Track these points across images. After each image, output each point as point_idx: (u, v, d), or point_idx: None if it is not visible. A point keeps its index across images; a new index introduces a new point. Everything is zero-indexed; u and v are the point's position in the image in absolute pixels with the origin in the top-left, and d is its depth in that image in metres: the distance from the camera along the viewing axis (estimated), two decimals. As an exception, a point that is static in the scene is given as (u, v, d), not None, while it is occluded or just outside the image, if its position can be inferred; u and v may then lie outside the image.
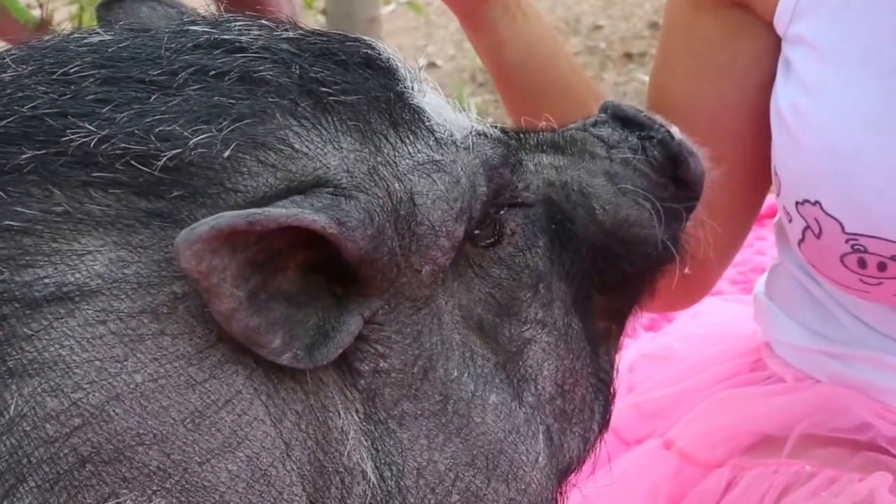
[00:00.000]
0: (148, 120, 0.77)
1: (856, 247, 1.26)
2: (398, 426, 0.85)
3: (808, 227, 1.30)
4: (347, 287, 0.82)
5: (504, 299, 0.93)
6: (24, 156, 0.75)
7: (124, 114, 0.77)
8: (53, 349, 0.73)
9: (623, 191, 1.04)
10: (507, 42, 1.40)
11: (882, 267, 1.27)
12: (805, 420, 1.41)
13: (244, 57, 0.83)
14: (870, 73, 1.24)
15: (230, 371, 0.76)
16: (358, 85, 0.86)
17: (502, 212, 0.95)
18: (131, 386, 0.73)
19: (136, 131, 0.77)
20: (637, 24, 5.70)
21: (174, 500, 0.74)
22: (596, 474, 1.37)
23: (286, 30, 0.89)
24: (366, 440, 0.83)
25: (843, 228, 1.26)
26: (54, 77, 0.80)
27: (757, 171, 1.40)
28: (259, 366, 0.77)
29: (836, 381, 1.44)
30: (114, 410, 0.73)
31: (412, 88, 0.89)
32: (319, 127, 0.82)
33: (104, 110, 0.77)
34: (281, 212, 0.73)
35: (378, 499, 0.83)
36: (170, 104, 0.79)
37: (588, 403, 1.00)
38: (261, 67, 0.83)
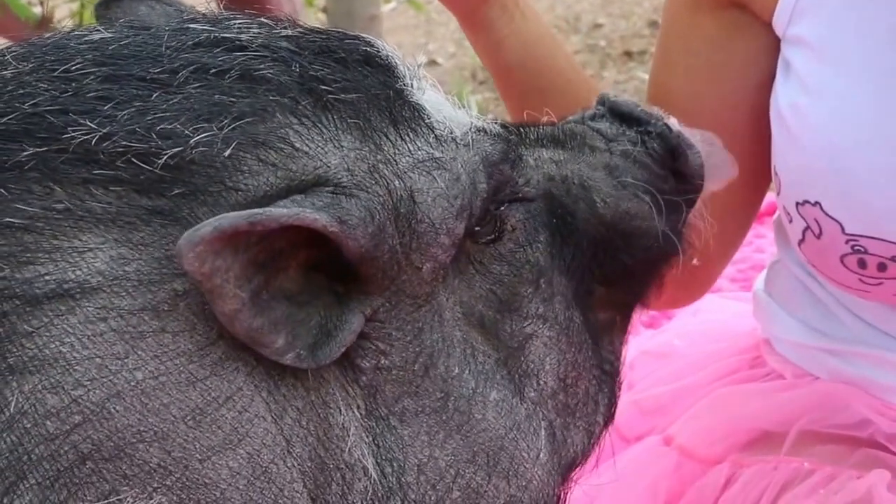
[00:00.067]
0: (149, 118, 0.78)
1: (856, 247, 1.26)
2: (399, 423, 0.85)
3: (808, 228, 1.30)
4: (348, 285, 0.82)
5: (505, 295, 0.93)
6: (25, 153, 0.75)
7: (125, 111, 0.78)
8: (54, 346, 0.73)
9: (623, 183, 1.04)
10: (506, 41, 1.40)
11: (882, 267, 1.27)
12: (804, 417, 1.41)
13: (244, 55, 0.83)
14: (869, 74, 1.24)
15: (231, 368, 0.76)
16: (358, 83, 0.86)
17: (503, 208, 0.95)
18: (132, 383, 0.73)
19: (137, 129, 0.77)
20: (637, 22, 5.71)
21: (175, 498, 0.74)
22: (599, 470, 1.38)
23: (285, 28, 0.89)
24: (367, 436, 0.83)
25: (843, 229, 1.26)
26: (55, 74, 0.80)
27: (757, 170, 1.40)
28: (260, 363, 0.77)
29: (836, 378, 1.44)
30: (114, 408, 0.73)
31: (412, 86, 0.89)
32: (320, 125, 0.82)
33: (105, 108, 0.77)
34: (282, 211, 0.73)
35: (379, 495, 0.83)
36: (171, 102, 0.79)
37: (592, 396, 1.00)
38: (261, 66, 0.83)
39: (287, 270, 0.77)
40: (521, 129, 1.05)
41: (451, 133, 0.89)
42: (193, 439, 0.75)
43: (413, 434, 0.86)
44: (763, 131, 1.35)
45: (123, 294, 0.74)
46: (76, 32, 0.87)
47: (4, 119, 0.77)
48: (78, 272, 0.74)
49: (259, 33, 0.86)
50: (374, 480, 0.83)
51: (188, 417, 0.75)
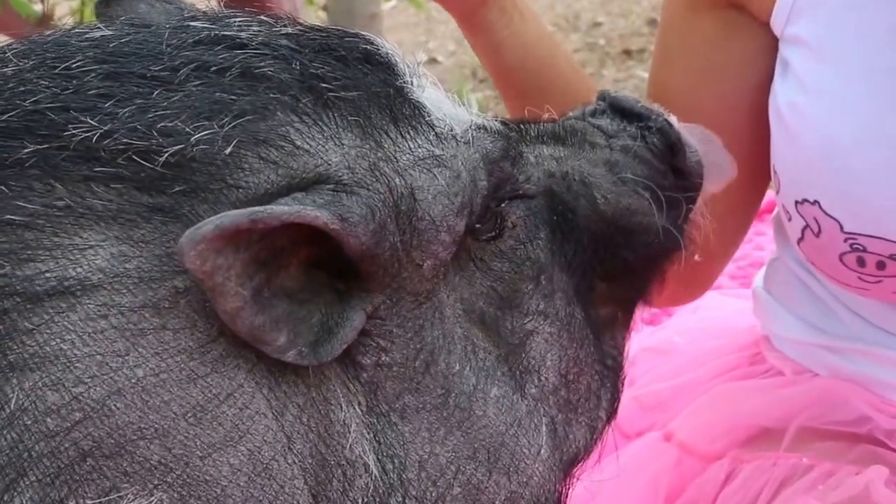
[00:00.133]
0: (150, 115, 0.78)
1: (854, 246, 1.26)
2: (400, 419, 0.85)
3: (807, 226, 1.30)
4: (349, 283, 0.82)
5: (506, 292, 0.93)
6: (26, 150, 0.75)
7: (126, 109, 0.78)
8: (54, 343, 0.73)
9: (623, 179, 1.04)
10: (505, 43, 1.41)
11: (881, 265, 1.27)
12: (803, 413, 1.41)
13: (244, 53, 0.83)
14: (867, 73, 1.24)
15: (232, 365, 0.77)
16: (358, 80, 0.86)
17: (503, 205, 0.95)
18: (132, 380, 0.73)
19: (138, 127, 0.77)
20: (635, 21, 5.71)
21: (175, 495, 0.74)
22: (599, 466, 1.38)
23: (285, 26, 0.89)
24: (368, 433, 0.83)
25: (841, 228, 1.26)
26: (56, 72, 0.80)
27: (756, 170, 1.41)
28: (261, 360, 0.77)
29: (835, 375, 1.44)
30: (115, 405, 0.73)
31: (412, 83, 0.89)
32: (320, 123, 0.82)
33: (106, 105, 0.77)
34: (283, 209, 0.73)
35: (380, 492, 0.83)
36: (172, 100, 0.79)
37: (594, 392, 1.00)
38: (261, 63, 0.83)
39: (288, 268, 0.77)
40: (522, 126, 1.05)
41: (452, 130, 0.89)
42: (194, 436, 0.75)
43: (414, 430, 0.86)
44: (762, 130, 1.36)
45: (124, 291, 0.74)
46: (77, 30, 0.87)
47: (5, 116, 0.77)
48: (79, 269, 0.74)
49: (259, 31, 0.86)
50: (376, 477, 0.83)
51: (189, 414, 0.75)
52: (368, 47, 0.89)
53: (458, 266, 0.91)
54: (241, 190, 0.78)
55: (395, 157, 0.84)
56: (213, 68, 0.82)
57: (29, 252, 0.74)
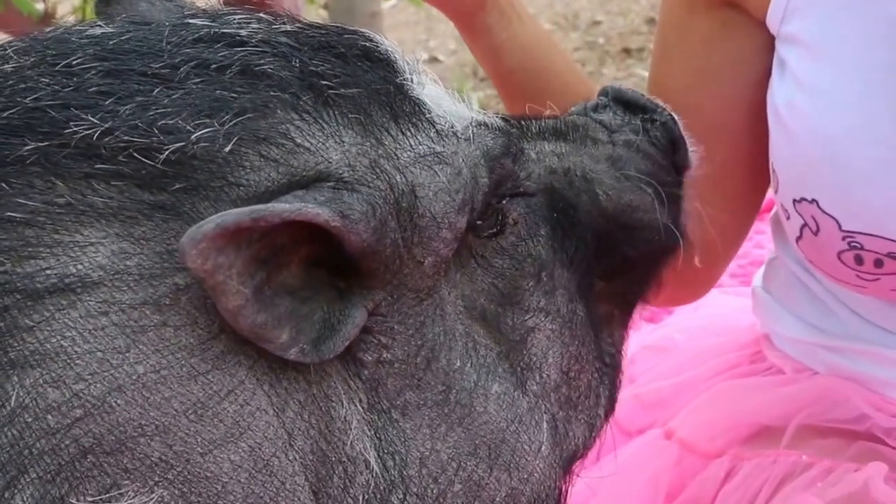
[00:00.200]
0: (151, 113, 0.78)
1: (852, 244, 1.27)
2: (401, 416, 0.85)
3: (805, 225, 1.30)
4: (350, 280, 0.82)
5: (507, 289, 0.93)
6: (27, 147, 0.75)
7: (127, 106, 0.78)
8: (55, 340, 0.73)
9: (626, 175, 1.04)
10: (504, 45, 1.41)
11: (879, 263, 1.27)
12: (803, 411, 1.41)
13: (244, 51, 0.83)
14: (864, 71, 1.24)
15: (232, 362, 0.77)
16: (358, 77, 0.86)
17: (504, 201, 0.95)
18: (133, 377, 0.73)
19: (139, 124, 0.77)
20: (634, 19, 5.72)
21: (176, 491, 0.74)
22: (600, 463, 1.38)
23: (284, 23, 0.88)
24: (369, 430, 0.83)
25: (839, 226, 1.26)
26: (57, 69, 0.80)
27: (756, 169, 1.41)
28: (261, 357, 0.77)
29: (835, 374, 1.45)
30: (115, 401, 0.73)
31: (412, 80, 0.89)
32: (321, 121, 0.82)
33: (107, 102, 0.77)
34: (284, 207, 0.73)
35: (381, 488, 0.83)
36: (172, 97, 0.79)
37: (594, 389, 1.00)
38: (261, 61, 0.83)
39: (289, 266, 0.77)
40: (523, 123, 1.05)
41: (452, 127, 0.89)
42: (195, 433, 0.75)
43: (415, 427, 0.86)
44: (761, 129, 1.36)
45: (125, 288, 0.74)
46: (77, 27, 0.87)
47: (6, 114, 0.77)
48: (79, 266, 0.74)
49: (259, 29, 0.86)
50: (377, 474, 0.83)
51: (189, 411, 0.75)
52: (368, 44, 0.89)
53: (459, 263, 0.91)
54: (241, 188, 0.78)
55: (396, 155, 0.84)
56: (214, 66, 0.82)
57: (30, 249, 0.74)
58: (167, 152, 0.76)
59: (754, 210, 1.52)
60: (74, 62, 0.80)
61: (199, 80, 0.81)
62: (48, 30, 0.87)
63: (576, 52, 5.36)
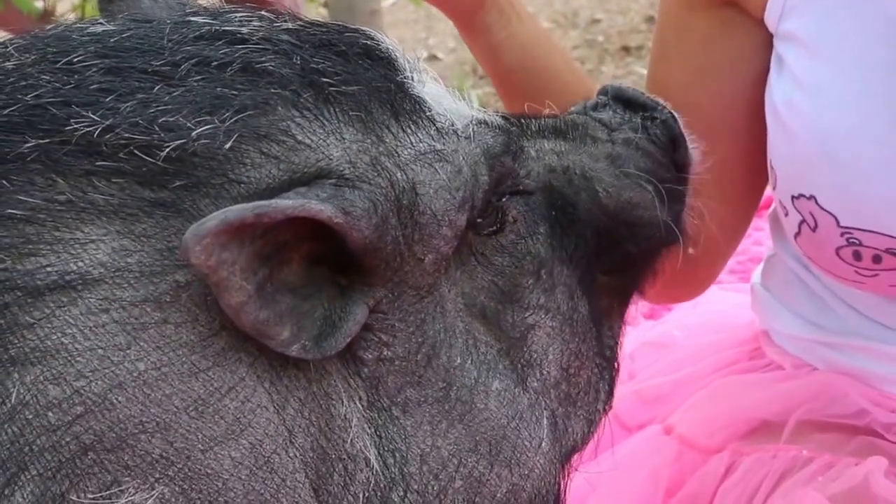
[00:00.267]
0: (151, 110, 0.78)
1: (851, 240, 1.27)
2: (402, 413, 0.85)
3: (803, 221, 1.30)
4: (351, 277, 0.82)
5: (507, 286, 0.93)
6: (28, 144, 0.75)
7: (128, 104, 0.78)
8: (56, 337, 0.73)
9: (625, 173, 1.04)
10: (503, 44, 1.41)
11: (877, 259, 1.27)
12: (803, 406, 1.41)
13: (245, 48, 0.83)
14: (862, 69, 1.25)
15: (233, 359, 0.77)
16: (359, 75, 0.85)
17: (504, 199, 0.95)
18: (134, 374, 0.73)
19: (139, 121, 0.77)
20: (633, 18, 5.73)
21: (177, 488, 0.74)
22: (598, 458, 1.38)
23: (285, 21, 0.88)
24: (369, 427, 0.83)
25: (837, 222, 1.26)
26: (57, 66, 0.80)
27: (755, 166, 1.41)
28: (262, 354, 0.77)
29: (833, 370, 1.45)
30: (116, 398, 0.73)
31: (412, 78, 0.89)
32: (321, 118, 0.82)
33: (108, 100, 0.77)
34: (288, 203, 0.73)
35: (381, 485, 0.83)
36: (173, 95, 0.79)
37: (594, 385, 1.01)
38: (262, 58, 0.83)
39: (290, 263, 0.77)
40: (523, 121, 1.05)
41: (453, 125, 0.90)
42: (196, 430, 0.75)
43: (415, 424, 0.86)
44: (759, 127, 1.36)
45: (125, 285, 0.74)
46: (78, 25, 0.87)
47: (7, 111, 0.77)
48: (80, 263, 0.74)
49: (260, 26, 0.86)
50: (377, 471, 0.83)
51: (190, 408, 0.75)
52: (369, 42, 0.89)
53: (459, 260, 0.91)
54: (242, 185, 0.78)
55: (397, 152, 0.84)
56: (214, 63, 0.82)
57: (30, 246, 0.74)
58: (168, 149, 0.76)
59: (753, 207, 1.53)
60: (75, 60, 0.80)
61: (199, 77, 0.81)
62: (49, 27, 0.87)
63: (575, 51, 5.37)
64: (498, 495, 0.91)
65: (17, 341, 0.72)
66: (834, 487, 1.28)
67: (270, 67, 0.82)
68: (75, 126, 0.76)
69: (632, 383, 1.62)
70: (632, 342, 1.68)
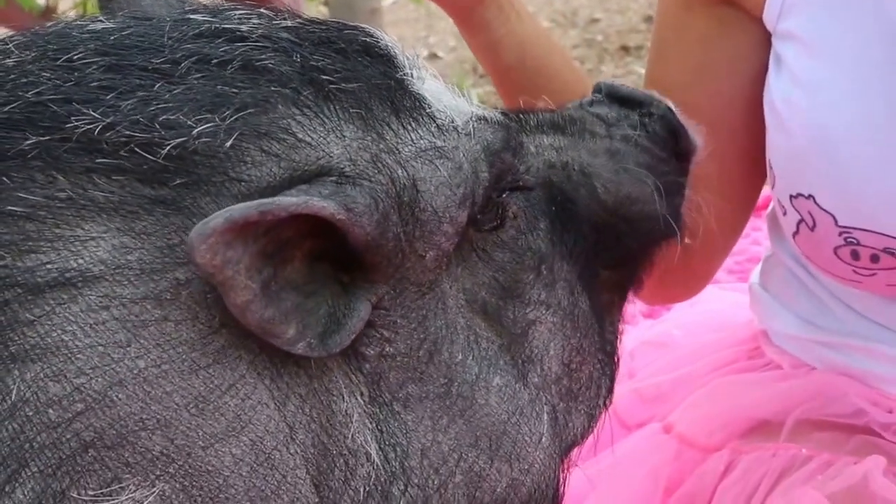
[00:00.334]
0: (152, 108, 0.77)
1: (849, 239, 1.27)
2: (403, 408, 0.85)
3: (802, 220, 1.30)
4: (353, 274, 0.82)
5: (507, 282, 0.93)
6: (28, 141, 0.75)
7: (129, 101, 0.77)
8: (56, 334, 0.73)
9: (624, 168, 1.04)
10: (503, 41, 1.41)
11: (875, 259, 1.27)
12: (801, 406, 1.42)
13: (245, 46, 0.83)
14: (860, 68, 1.25)
15: (233, 356, 0.77)
16: (358, 73, 0.85)
17: (504, 195, 0.95)
18: (134, 371, 0.73)
19: (140, 119, 0.77)
20: (632, 17, 5.74)
21: (177, 485, 0.74)
22: (598, 457, 1.38)
23: (285, 19, 0.88)
24: (370, 422, 0.83)
25: (836, 221, 1.26)
26: (58, 63, 0.80)
27: (753, 165, 1.41)
28: (262, 351, 0.77)
29: (831, 370, 1.45)
30: (117, 396, 0.73)
31: (412, 75, 0.89)
32: (322, 116, 0.82)
33: (108, 97, 0.77)
34: (291, 200, 0.73)
35: (382, 480, 0.83)
36: (174, 92, 0.79)
37: (595, 380, 1.01)
38: (262, 56, 0.83)
39: (293, 261, 0.77)
40: (521, 117, 1.05)
41: (453, 122, 0.89)
42: (196, 427, 0.75)
43: (416, 419, 0.86)
44: (758, 126, 1.36)
45: (125, 283, 0.74)
46: (78, 22, 0.87)
47: (7, 108, 0.77)
48: (80, 261, 0.74)
49: (259, 24, 0.86)
50: (377, 466, 0.83)
51: (191, 405, 0.75)
52: (368, 39, 0.89)
53: (460, 256, 0.91)
54: (243, 183, 0.78)
55: (397, 149, 0.84)
56: (215, 61, 0.81)
57: (30, 243, 0.74)
58: (168, 147, 0.76)
59: (750, 206, 1.53)
60: (76, 57, 0.80)
61: (200, 75, 0.80)
62: (49, 25, 0.87)
63: (574, 50, 5.37)
64: (498, 490, 0.91)
65: (17, 338, 0.72)
66: (833, 486, 1.28)
67: (270, 65, 0.82)
68: (76, 123, 0.76)
69: (631, 382, 1.62)
70: (631, 341, 1.69)
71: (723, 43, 1.38)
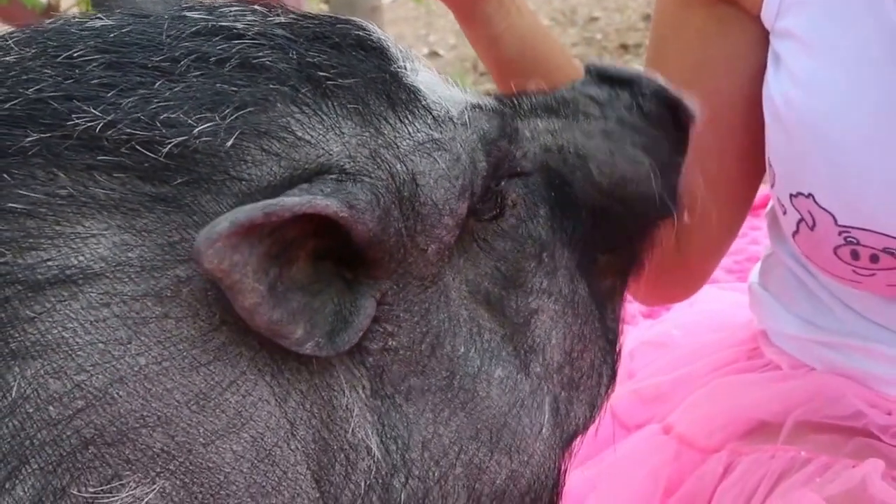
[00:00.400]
0: (153, 106, 0.77)
1: (848, 239, 1.27)
2: (405, 401, 0.85)
3: (802, 220, 1.30)
4: (356, 271, 0.82)
5: (509, 271, 0.93)
6: (29, 139, 0.75)
7: (129, 99, 0.77)
8: (56, 331, 0.73)
9: (619, 149, 1.04)
10: (503, 36, 1.41)
11: (874, 259, 1.28)
12: (800, 407, 1.42)
13: (242, 43, 0.83)
14: (858, 66, 1.25)
15: (234, 353, 0.77)
16: (354, 67, 0.85)
17: (503, 183, 0.95)
18: (135, 368, 0.73)
19: (141, 117, 0.77)
20: (631, 16, 5.74)
21: (178, 482, 0.74)
22: (598, 458, 1.38)
23: (278, 15, 0.88)
24: (371, 416, 0.83)
25: (835, 221, 1.26)
26: (58, 60, 0.80)
27: (751, 163, 1.41)
28: (263, 347, 0.77)
29: (831, 370, 1.45)
30: (117, 393, 0.73)
31: (405, 68, 0.89)
32: (320, 113, 0.82)
33: (109, 95, 0.77)
34: (295, 200, 0.73)
35: (383, 473, 0.83)
36: (174, 90, 0.79)
37: (597, 368, 1.00)
38: (259, 54, 0.82)
39: (297, 261, 0.77)
40: (515, 101, 1.05)
41: (448, 113, 0.89)
42: (197, 423, 0.75)
43: (418, 412, 0.86)
44: (756, 124, 1.36)
45: (126, 280, 0.74)
46: (77, 19, 0.87)
47: (8, 105, 0.77)
48: (81, 258, 0.74)
49: (254, 21, 0.86)
50: (378, 459, 0.83)
51: (191, 402, 0.75)
52: (361, 33, 0.89)
53: (461, 248, 0.91)
54: (244, 182, 0.77)
55: (396, 144, 0.84)
56: (213, 59, 0.81)
57: (31, 240, 0.74)
58: (170, 146, 0.76)
59: (748, 205, 1.53)
60: (76, 54, 0.80)
61: (199, 73, 0.80)
62: (48, 21, 0.87)
63: (573, 48, 5.38)
64: (497, 481, 0.91)
65: (17, 335, 0.72)
66: (831, 489, 1.28)
67: (268, 63, 0.82)
68: (77, 121, 0.76)
69: (631, 382, 1.62)
70: (631, 341, 1.68)
71: (721, 41, 1.39)
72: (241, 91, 0.80)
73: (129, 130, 0.76)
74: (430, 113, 0.88)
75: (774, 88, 1.32)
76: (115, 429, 0.73)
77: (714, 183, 1.29)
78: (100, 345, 0.73)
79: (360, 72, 0.85)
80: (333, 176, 0.79)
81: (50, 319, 0.73)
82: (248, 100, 0.79)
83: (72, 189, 0.75)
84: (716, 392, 1.51)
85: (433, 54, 5.43)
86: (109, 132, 0.76)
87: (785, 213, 1.34)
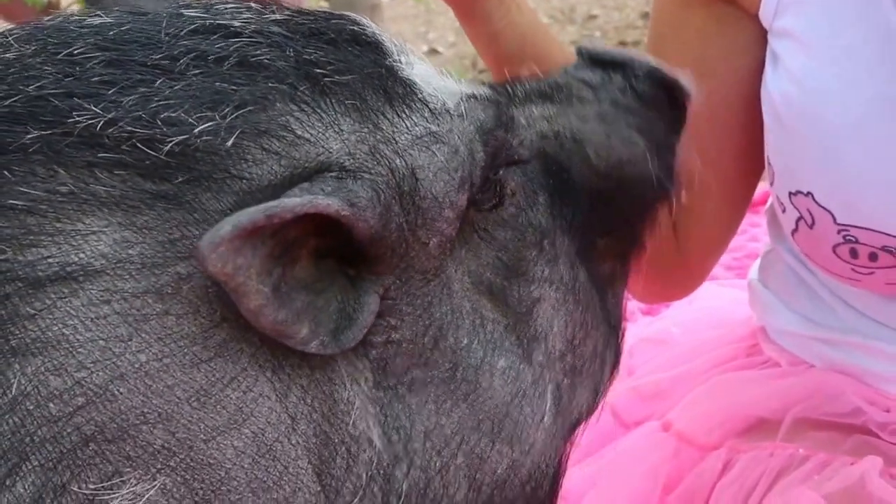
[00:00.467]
0: (153, 104, 0.77)
1: (847, 237, 1.27)
2: (407, 392, 0.85)
3: (801, 218, 1.31)
4: (359, 268, 0.82)
5: (511, 261, 0.93)
6: (30, 136, 0.75)
7: (130, 97, 0.77)
8: (57, 328, 0.73)
9: (615, 131, 1.03)
10: (503, 32, 1.41)
11: (873, 257, 1.28)
12: (799, 404, 1.42)
13: (240, 41, 0.83)
14: (856, 65, 1.25)
15: (235, 349, 0.77)
16: (350, 63, 0.85)
17: (500, 172, 0.95)
18: (135, 365, 0.73)
19: (142, 115, 0.77)
20: (630, 14, 5.74)
21: (179, 479, 0.74)
22: (597, 455, 1.38)
23: (273, 12, 0.88)
24: (373, 407, 0.83)
25: (834, 219, 1.27)
26: (59, 58, 0.79)
27: (749, 161, 1.41)
28: (264, 343, 0.77)
29: (830, 367, 1.45)
30: (118, 390, 0.73)
31: (400, 61, 0.89)
32: (319, 111, 0.82)
33: (110, 92, 0.77)
34: (296, 201, 0.73)
35: (384, 464, 0.84)
36: (174, 89, 0.78)
37: (599, 354, 1.00)
38: (257, 52, 0.82)
39: (300, 260, 0.77)
40: (510, 88, 1.05)
41: (444, 105, 0.89)
42: (198, 420, 0.75)
43: (420, 402, 0.86)
44: (754, 123, 1.36)
45: (127, 277, 0.74)
46: (76, 16, 0.86)
47: (9, 101, 0.76)
48: (81, 255, 0.74)
49: (251, 18, 0.86)
50: (380, 450, 0.83)
51: (192, 399, 0.75)
52: (356, 28, 0.89)
53: (463, 239, 0.91)
54: (244, 181, 0.77)
55: (394, 139, 0.84)
56: (212, 57, 0.81)
57: (31, 237, 0.74)
58: (171, 144, 0.76)
59: (746, 202, 1.53)
60: (76, 51, 0.80)
61: (198, 71, 0.80)
62: (48, 18, 0.86)
63: (572, 46, 5.37)
64: (498, 471, 0.91)
65: (18, 332, 0.72)
66: (830, 486, 1.29)
67: (266, 61, 0.82)
68: (77, 118, 0.76)
69: (630, 380, 1.62)
70: (630, 338, 1.68)
71: (720, 40, 1.39)
72: (240, 90, 0.80)
73: (129, 128, 0.76)
74: (427, 106, 0.88)
75: (773, 87, 1.32)
76: (115, 425, 0.73)
77: (713, 180, 1.29)
78: (100, 342, 0.73)
79: (357, 67, 0.85)
80: (333, 174, 0.79)
81: (50, 316, 0.73)
82: (247, 98, 0.79)
83: (72, 186, 0.75)
84: (715, 389, 1.51)
85: (433, 52, 5.43)
86: (110, 130, 0.76)
87: (784, 211, 1.34)
